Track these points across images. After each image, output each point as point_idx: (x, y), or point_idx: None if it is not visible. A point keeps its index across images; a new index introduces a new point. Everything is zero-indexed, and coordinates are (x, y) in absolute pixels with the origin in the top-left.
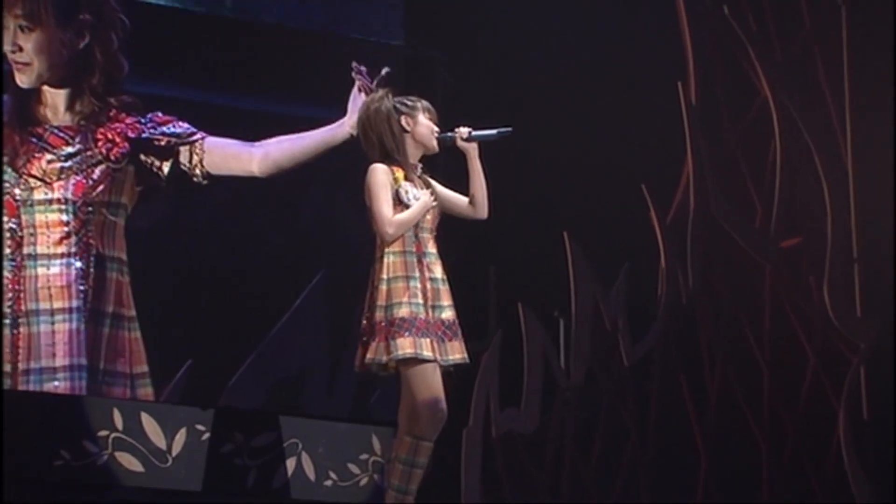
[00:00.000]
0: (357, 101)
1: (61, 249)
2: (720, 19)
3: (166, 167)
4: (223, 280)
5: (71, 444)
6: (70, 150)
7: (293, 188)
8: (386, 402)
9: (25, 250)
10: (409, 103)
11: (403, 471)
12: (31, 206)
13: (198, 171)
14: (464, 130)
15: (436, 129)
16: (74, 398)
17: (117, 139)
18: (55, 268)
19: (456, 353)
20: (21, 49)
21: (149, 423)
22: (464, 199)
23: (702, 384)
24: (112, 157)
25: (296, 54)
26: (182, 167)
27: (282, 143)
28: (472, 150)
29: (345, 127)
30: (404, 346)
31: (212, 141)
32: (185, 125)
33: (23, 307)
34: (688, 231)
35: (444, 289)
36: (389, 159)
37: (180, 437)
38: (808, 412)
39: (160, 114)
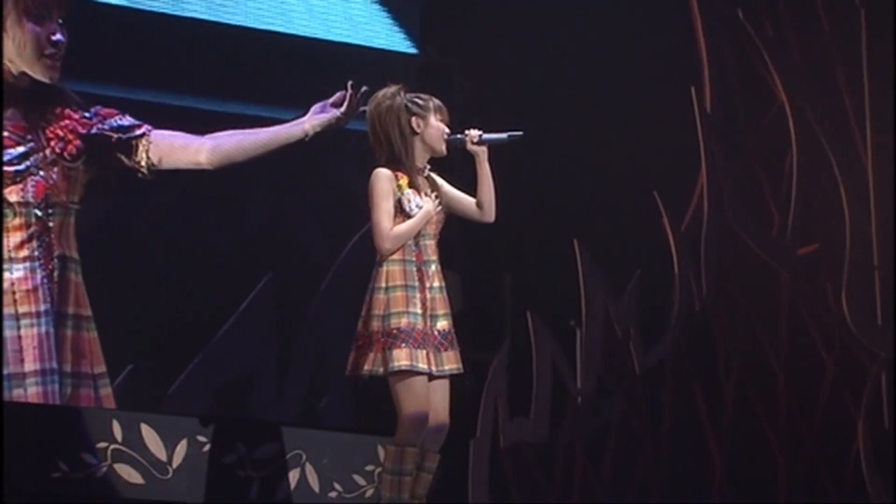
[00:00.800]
0: (326, 109)
1: (23, 253)
2: (736, 23)
3: (115, 162)
4: (167, 282)
5: (69, 455)
6: (22, 149)
7: (240, 189)
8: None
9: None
10: (422, 102)
11: (392, 481)
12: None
13: (144, 164)
14: (474, 133)
15: (446, 130)
16: (71, 409)
17: (70, 136)
18: (18, 272)
19: (451, 363)
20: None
21: (149, 435)
22: (471, 201)
23: (716, 393)
24: (67, 156)
25: (308, 65)
26: (129, 161)
27: (234, 135)
28: (482, 153)
29: (302, 126)
30: (400, 357)
31: (158, 133)
32: (130, 118)
33: None
34: (701, 238)
35: (441, 297)
36: (395, 161)
37: (181, 448)
38: (827, 422)
39: (101, 107)
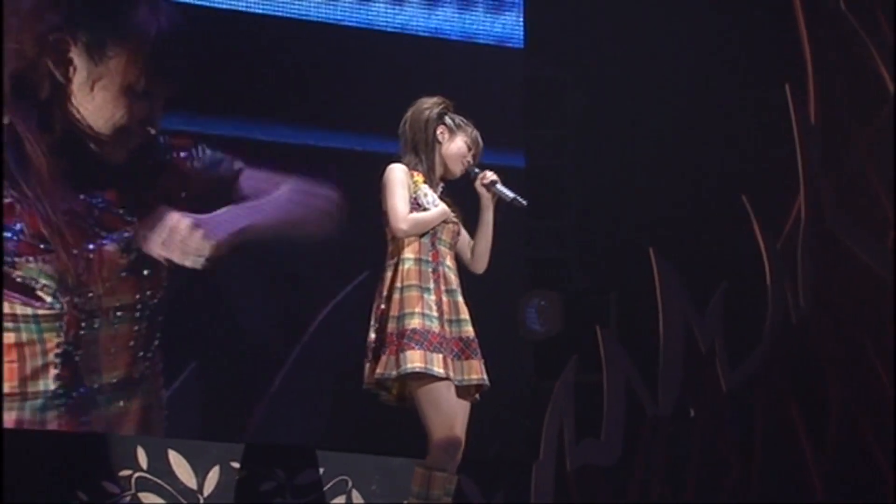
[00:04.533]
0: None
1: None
2: (841, 17)
3: None
4: None
5: (88, 484)
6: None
7: None
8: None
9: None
10: (456, 121)
11: None
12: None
13: None
14: (489, 176)
15: (469, 160)
16: (93, 435)
17: None
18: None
19: (474, 373)
20: None
21: (177, 461)
22: (469, 243)
23: (818, 413)
24: None
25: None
26: None
27: None
28: (487, 199)
29: None
30: (414, 359)
31: None
32: None
33: None
34: (798, 245)
35: (462, 302)
36: (417, 161)
37: (213, 475)
38: None
39: None
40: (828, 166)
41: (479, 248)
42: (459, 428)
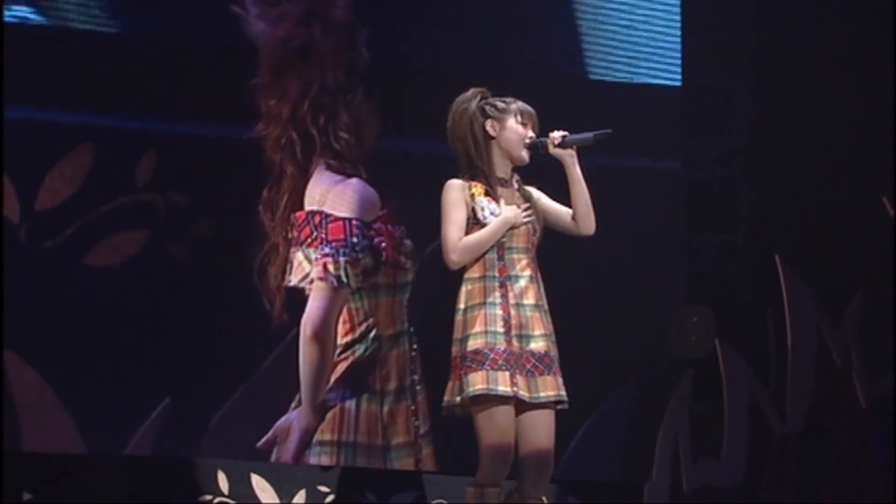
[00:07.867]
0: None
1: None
2: None
3: None
4: (205, 317)
5: None
6: None
7: None
8: None
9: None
10: (500, 105)
11: None
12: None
13: None
14: (556, 135)
15: (530, 135)
16: (170, 458)
17: None
18: None
19: (549, 389)
20: None
21: (260, 485)
22: (568, 212)
23: None
24: None
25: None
26: None
27: None
28: (569, 157)
29: None
30: (476, 381)
31: None
32: None
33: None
34: None
35: (537, 316)
36: (475, 170)
37: (299, 499)
38: None
39: None
40: None
41: (580, 211)
42: (543, 446)
